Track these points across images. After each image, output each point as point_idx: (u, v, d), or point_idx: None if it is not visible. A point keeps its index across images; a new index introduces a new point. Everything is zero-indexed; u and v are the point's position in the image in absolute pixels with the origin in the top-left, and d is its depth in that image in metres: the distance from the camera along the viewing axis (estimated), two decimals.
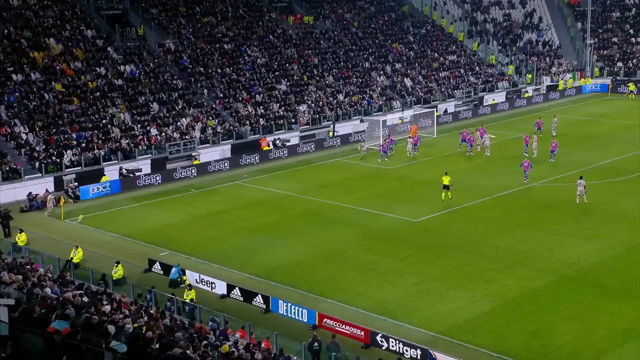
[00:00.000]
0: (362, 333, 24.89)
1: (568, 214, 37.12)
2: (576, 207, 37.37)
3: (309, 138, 56.93)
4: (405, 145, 51.13)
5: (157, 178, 46.31)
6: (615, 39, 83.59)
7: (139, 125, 50.83)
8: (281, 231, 36.15)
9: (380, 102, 64.06)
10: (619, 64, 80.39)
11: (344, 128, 59.31)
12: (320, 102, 60.76)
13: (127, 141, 48.60)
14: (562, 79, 78.21)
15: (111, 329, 13.94)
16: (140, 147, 48.79)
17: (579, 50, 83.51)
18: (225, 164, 49.87)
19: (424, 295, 28.16)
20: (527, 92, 75.56)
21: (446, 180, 39.14)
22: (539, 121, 56.48)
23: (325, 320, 25.86)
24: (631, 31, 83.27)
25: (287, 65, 63.75)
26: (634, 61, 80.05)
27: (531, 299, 27.50)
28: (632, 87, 73.37)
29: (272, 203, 41.10)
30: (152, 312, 21.31)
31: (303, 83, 62.41)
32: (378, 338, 24.44)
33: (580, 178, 37.83)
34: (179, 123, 52.48)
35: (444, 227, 36.05)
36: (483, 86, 72.65)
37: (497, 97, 71.89)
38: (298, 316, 26.57)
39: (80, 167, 45.49)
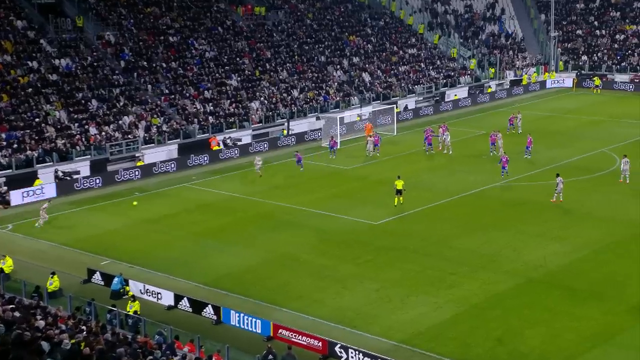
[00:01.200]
0: (320, 344, 24.85)
1: (534, 214, 37.78)
2: (551, 204, 38.20)
3: (262, 137, 56.72)
4: (365, 144, 51.34)
5: (97, 181, 45.56)
6: (579, 32, 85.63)
7: (76, 124, 49.85)
8: (232, 236, 35.93)
9: (338, 99, 64.20)
10: (584, 57, 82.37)
11: (299, 126, 59.25)
12: (274, 99, 60.60)
13: (63, 141, 47.61)
14: (526, 73, 79.72)
15: (46, 345, 13.56)
16: (77, 147, 47.86)
17: (542, 43, 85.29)
18: (172, 165, 49.39)
19: (385, 301, 28.27)
20: (490, 87, 76.77)
21: (399, 185, 38.88)
22: (513, 117, 57.36)
23: (280, 330, 25.75)
24: (596, 23, 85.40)
25: (237, 59, 63.40)
26: (598, 54, 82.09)
27: (496, 303, 27.86)
28: (597, 81, 75.26)
29: (222, 206, 40.83)
30: (91, 326, 20.86)
31: (255, 78, 62.15)
32: (337, 349, 24.43)
33: (558, 175, 38.54)
34: (120, 121, 51.69)
35: (405, 229, 36.27)
36: (444, 81, 73.51)
37: (459, 93, 72.85)
38: (251, 327, 26.39)
39: (10, 170, 44.37)
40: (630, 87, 74.17)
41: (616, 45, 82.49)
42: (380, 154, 50.93)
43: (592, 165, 46.14)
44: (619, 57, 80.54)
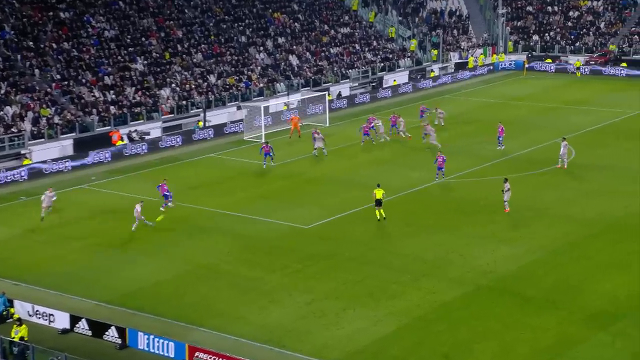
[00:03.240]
0: None
1: (482, 214, 38.55)
2: (505, 216, 38.54)
3: (174, 130, 56.25)
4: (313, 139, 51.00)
5: None
6: (530, 8, 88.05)
7: None
8: (140, 245, 35.47)
9: (261, 85, 64.06)
10: (535, 37, 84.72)
11: (217, 117, 58.90)
12: (187, 85, 60.00)
13: None
14: (472, 55, 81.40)
15: None
16: None
17: (490, 21, 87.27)
18: (67, 164, 48.45)
19: (318, 316, 28.36)
20: (432, 70, 78.05)
21: (379, 194, 37.27)
22: (423, 107, 57.87)
23: (197, 354, 25.50)
24: None
25: (143, 39, 62.51)
26: (551, 34, 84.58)
27: (443, 315, 28.31)
28: (578, 63, 76.97)
29: (128, 211, 40.05)
30: None
31: (165, 62, 61.44)
32: None
33: (506, 181, 38.52)
34: (2, 112, 50.23)
35: (340, 233, 36.49)
36: (382, 64, 74.32)
37: (398, 78, 73.82)
38: (163, 351, 26.04)
39: None
40: (586, 70, 76.67)
41: (569, 24, 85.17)
42: (311, 147, 51.02)
43: (545, 158, 47.37)
44: (572, 37, 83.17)
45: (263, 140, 49.97)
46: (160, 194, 39.76)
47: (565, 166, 45.08)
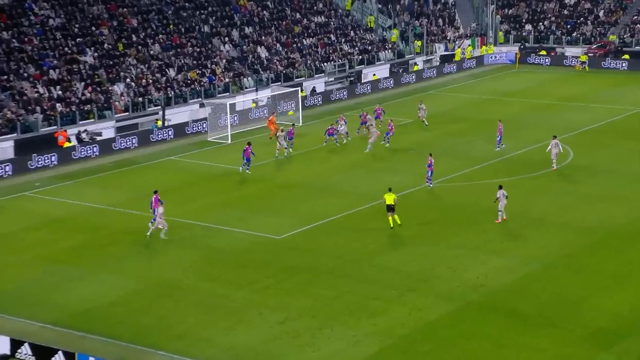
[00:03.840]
0: None
1: (471, 222, 38.70)
2: (490, 208, 38.79)
3: (129, 130, 55.97)
4: (276, 140, 50.86)
5: None
6: None
7: None
8: (92, 259, 35.17)
9: (227, 80, 63.89)
10: (528, 26, 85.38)
11: (178, 115, 58.71)
12: (144, 80, 59.71)
13: None
14: (459, 47, 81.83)
15: None
16: None
17: (478, 9, 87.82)
18: (7, 168, 48.04)
19: (292, 337, 28.28)
20: (416, 64, 78.31)
21: (390, 199, 37.38)
22: (378, 108, 57.44)
23: None
24: None
25: (93, 28, 62.12)
26: (545, 23, 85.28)
27: (429, 334, 28.32)
28: (583, 57, 77.54)
29: (78, 221, 39.90)
30: None
31: (118, 54, 61.12)
32: None
33: (500, 188, 38.46)
34: None
35: (316, 244, 36.45)
36: (360, 57, 74.42)
37: (378, 72, 73.98)
38: None
39: None
40: (584, 62, 77.33)
41: (565, 12, 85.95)
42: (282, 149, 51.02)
43: (540, 159, 47.63)
44: (569, 27, 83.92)
45: (246, 141, 48.81)
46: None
47: (554, 167, 45.50)
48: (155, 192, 37.93)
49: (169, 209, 40.78)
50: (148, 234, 37.17)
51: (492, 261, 34.13)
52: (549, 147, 45.73)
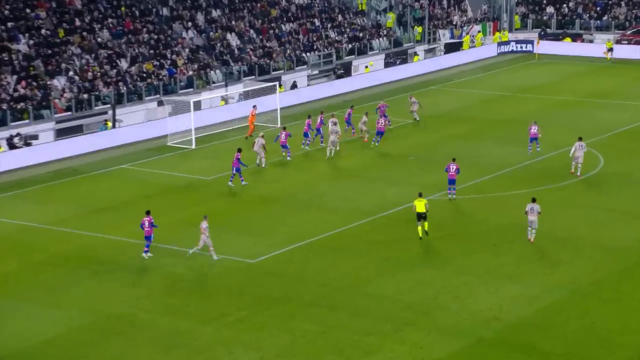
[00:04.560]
0: None
1: (483, 242, 38.62)
2: (515, 245, 38.71)
3: (72, 132, 55.87)
4: (252, 144, 50.60)
5: None
6: None
7: None
8: (26, 288, 34.89)
9: (190, 73, 63.79)
10: (549, 9, 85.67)
11: (132, 115, 58.68)
12: (90, 74, 59.52)
13: None
14: (467, 34, 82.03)
15: None
16: None
17: None
18: None
19: None
20: (416, 54, 78.41)
21: (421, 206, 38.24)
22: (382, 105, 57.61)
23: None
24: None
25: (27, 10, 62.00)
26: (570, 4, 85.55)
27: None
28: (609, 44, 77.97)
29: (9, 242, 39.70)
30: None
31: (58, 41, 61.05)
32: None
33: (534, 201, 38.21)
34: None
35: (297, 269, 36.30)
36: (350, 46, 74.43)
37: (371, 63, 73.94)
38: None
39: None
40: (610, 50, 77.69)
41: None
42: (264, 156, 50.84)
43: (564, 167, 47.67)
44: (599, 9, 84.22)
45: (237, 148, 48.36)
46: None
47: (579, 173, 45.50)
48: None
49: (122, 228, 40.65)
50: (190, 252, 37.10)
51: (508, 289, 34.04)
52: (572, 149, 45.76)
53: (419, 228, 38.54)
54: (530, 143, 50.10)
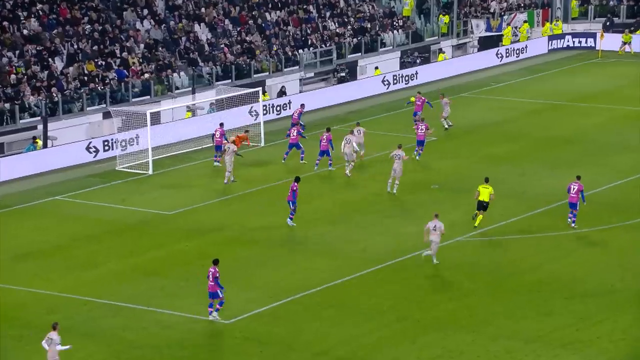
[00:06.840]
0: None
1: (531, 297, 38.53)
2: (553, 278, 38.90)
3: None
4: (225, 170, 50.85)
5: None
6: None
7: None
8: None
9: (146, 76, 63.82)
10: None
11: (69, 131, 58.85)
12: (13, 76, 59.54)
13: None
14: (509, 25, 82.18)
15: None
16: None
17: None
18: None
19: None
20: (441, 51, 78.48)
21: (485, 195, 43.18)
22: (419, 99, 58.80)
23: None
24: None
25: None
26: None
27: None
28: (626, 37, 78.39)
29: None
30: None
31: None
32: None
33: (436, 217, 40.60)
34: None
35: (285, 332, 36.17)
36: (355, 40, 74.54)
37: (383, 64, 74.15)
38: None
39: None
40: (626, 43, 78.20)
41: None
42: (238, 180, 50.85)
43: (634, 201, 47.96)
44: None
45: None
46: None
47: None
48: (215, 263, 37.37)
49: (55, 280, 40.49)
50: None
51: (563, 359, 33.94)
52: None
53: (478, 217, 43.54)
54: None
